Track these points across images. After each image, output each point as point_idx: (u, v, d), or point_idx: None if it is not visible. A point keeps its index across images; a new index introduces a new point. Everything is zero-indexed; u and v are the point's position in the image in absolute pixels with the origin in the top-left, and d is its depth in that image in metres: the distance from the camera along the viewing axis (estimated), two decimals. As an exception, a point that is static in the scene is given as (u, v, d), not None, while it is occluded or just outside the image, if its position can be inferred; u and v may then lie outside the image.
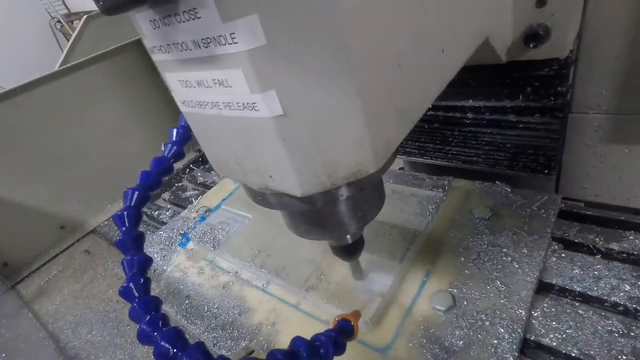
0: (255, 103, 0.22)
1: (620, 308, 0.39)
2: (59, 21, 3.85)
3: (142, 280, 0.32)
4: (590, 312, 0.40)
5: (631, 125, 0.49)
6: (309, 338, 0.32)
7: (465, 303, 0.43)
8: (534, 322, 0.40)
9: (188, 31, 0.21)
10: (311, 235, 0.35)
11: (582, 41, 0.46)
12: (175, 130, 0.40)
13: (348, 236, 0.38)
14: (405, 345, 0.41)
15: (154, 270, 0.63)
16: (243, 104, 0.22)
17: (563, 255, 0.46)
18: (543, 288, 0.43)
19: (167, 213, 0.81)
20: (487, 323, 0.40)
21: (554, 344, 0.38)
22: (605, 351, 0.36)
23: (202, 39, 0.21)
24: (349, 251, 0.41)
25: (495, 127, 0.54)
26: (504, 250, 0.47)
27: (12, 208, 0.78)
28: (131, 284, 0.32)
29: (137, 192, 0.37)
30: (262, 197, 0.30)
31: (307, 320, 0.47)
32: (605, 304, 0.40)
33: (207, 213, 0.72)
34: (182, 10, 0.20)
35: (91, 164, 0.88)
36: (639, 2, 0.41)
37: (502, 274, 0.44)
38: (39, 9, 3.81)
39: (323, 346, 0.31)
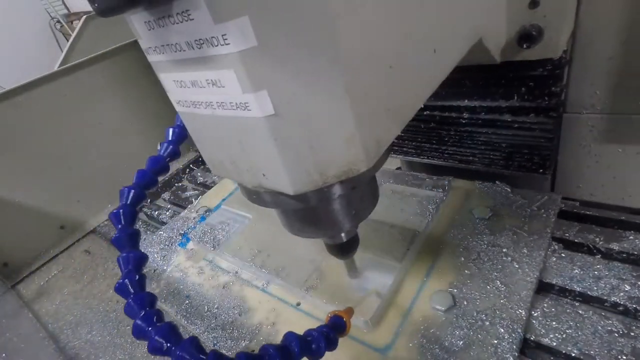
0: (247, 103, 0.22)
1: (620, 308, 0.39)
2: (58, 21, 3.85)
3: (137, 276, 0.32)
4: (590, 312, 0.40)
5: (625, 125, 0.49)
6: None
7: (465, 303, 0.43)
8: (534, 322, 0.40)
9: (181, 32, 0.22)
10: (305, 233, 0.35)
11: (576, 42, 0.46)
12: (171, 130, 0.40)
13: (342, 234, 0.38)
14: (405, 345, 0.41)
15: (154, 270, 0.63)
16: (236, 103, 0.23)
17: (563, 255, 0.46)
18: (543, 288, 0.43)
19: (167, 213, 0.81)
20: (487, 323, 0.40)
21: (554, 344, 0.38)
22: (605, 351, 0.36)
23: (195, 40, 0.21)
24: (344, 249, 0.41)
25: (490, 127, 0.54)
26: (504, 250, 0.47)
27: (12, 208, 0.78)
28: (126, 280, 0.32)
29: (133, 191, 0.38)
30: (257, 196, 0.30)
31: (307, 320, 0.47)
32: (605, 304, 0.40)
33: (207, 213, 0.72)
34: (176, 12, 0.21)
35: (91, 164, 0.88)
36: (632, 3, 0.41)
37: (502, 274, 0.44)
38: (39, 9, 3.81)
39: (315, 341, 0.31)
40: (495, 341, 0.38)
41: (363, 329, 0.43)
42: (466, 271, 0.46)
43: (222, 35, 0.20)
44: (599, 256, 0.45)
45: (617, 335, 0.37)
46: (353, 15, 0.22)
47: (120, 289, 0.32)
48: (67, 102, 0.83)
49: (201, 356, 0.26)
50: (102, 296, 0.67)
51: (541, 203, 0.52)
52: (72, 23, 3.69)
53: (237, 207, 0.68)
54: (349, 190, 0.28)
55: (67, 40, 1.01)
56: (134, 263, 0.33)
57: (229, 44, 0.20)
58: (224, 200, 0.74)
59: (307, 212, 0.33)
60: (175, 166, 0.97)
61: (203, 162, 0.98)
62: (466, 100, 0.54)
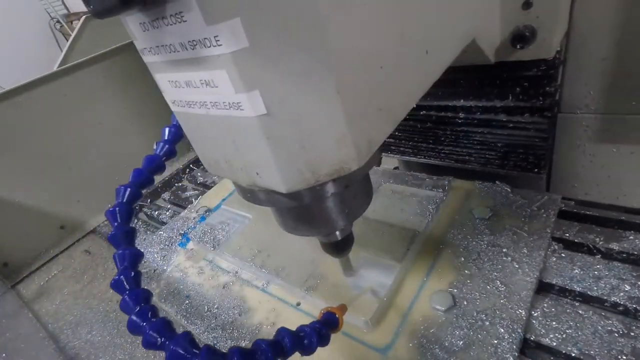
0: (240, 103, 0.23)
1: (620, 308, 0.39)
2: (58, 21, 3.85)
3: (132, 273, 0.33)
4: (590, 312, 0.40)
5: (618, 125, 0.49)
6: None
7: (465, 303, 0.43)
8: (534, 322, 0.40)
9: (175, 34, 0.22)
10: (299, 231, 0.36)
11: (570, 42, 0.47)
12: (167, 129, 0.41)
13: (337, 232, 0.38)
14: (405, 345, 0.41)
15: (154, 270, 0.63)
16: (229, 103, 0.23)
17: (563, 255, 0.46)
18: (543, 288, 0.43)
19: (167, 213, 0.81)
20: (487, 323, 0.40)
21: (554, 344, 0.38)
22: (605, 351, 0.36)
23: (189, 41, 0.22)
24: (339, 247, 0.41)
25: (486, 127, 0.55)
26: (504, 250, 0.47)
27: (12, 208, 0.78)
28: (122, 276, 0.32)
29: (129, 189, 0.38)
30: (251, 194, 0.31)
31: (307, 320, 0.46)
32: (605, 304, 0.40)
33: (207, 213, 0.72)
34: (169, 14, 0.21)
35: (91, 164, 0.88)
36: (626, 5, 0.42)
37: (502, 274, 0.44)
38: (39, 9, 3.81)
39: (307, 337, 0.32)
40: (495, 341, 0.38)
41: (363, 329, 0.43)
42: (466, 271, 0.46)
43: (215, 37, 0.20)
44: (599, 256, 0.45)
45: (617, 335, 0.37)
46: (343, 16, 0.22)
47: (116, 285, 0.32)
48: (67, 102, 0.83)
49: (194, 350, 0.27)
50: (102, 296, 0.67)
51: (541, 203, 0.52)
52: (71, 23, 3.70)
53: (237, 207, 0.68)
54: (342, 188, 0.29)
55: (67, 40, 1.01)
56: (130, 260, 0.34)
57: (221, 45, 0.21)
58: (224, 200, 0.74)
59: (300, 210, 0.33)
60: (175, 166, 0.97)
61: (203, 162, 0.98)
62: (462, 100, 0.54)
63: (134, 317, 0.30)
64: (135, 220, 0.83)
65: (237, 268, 0.58)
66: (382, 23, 0.25)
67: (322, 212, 0.33)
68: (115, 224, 0.36)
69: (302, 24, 0.21)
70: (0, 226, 0.77)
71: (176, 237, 0.69)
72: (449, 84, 0.53)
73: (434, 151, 0.64)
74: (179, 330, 0.29)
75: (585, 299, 0.41)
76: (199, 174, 0.92)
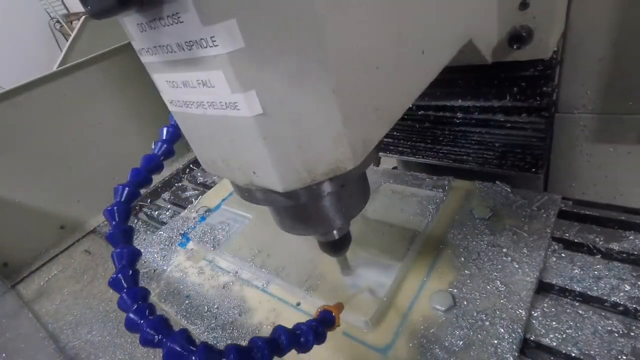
0: (236, 103, 0.23)
1: (620, 308, 0.39)
2: (58, 21, 3.85)
3: (130, 272, 0.33)
4: (590, 312, 0.40)
5: (615, 125, 0.50)
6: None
7: (465, 303, 0.43)
8: (534, 322, 0.40)
9: (172, 34, 0.22)
10: (297, 230, 0.36)
11: (567, 42, 0.47)
12: (165, 129, 0.41)
13: (334, 232, 0.38)
14: (405, 345, 0.41)
15: (154, 270, 0.63)
16: (225, 103, 0.23)
17: (563, 255, 0.46)
18: (543, 288, 0.43)
19: (167, 213, 0.81)
20: (487, 323, 0.40)
21: (554, 344, 0.38)
22: (605, 351, 0.36)
23: (185, 42, 0.22)
24: (336, 247, 0.41)
25: (484, 127, 0.55)
26: (504, 250, 0.47)
27: (12, 208, 0.78)
28: (120, 275, 0.33)
29: (127, 189, 0.38)
30: (249, 193, 0.31)
31: (307, 320, 0.47)
32: (605, 304, 0.40)
33: (207, 213, 0.72)
34: (166, 15, 0.21)
35: (91, 164, 0.88)
36: (622, 5, 0.42)
37: (502, 274, 0.44)
38: (39, 9, 3.81)
39: (303, 335, 0.32)
40: (495, 341, 0.38)
41: (363, 329, 0.43)
42: (466, 271, 0.46)
43: (211, 37, 0.21)
44: (599, 256, 0.45)
45: (617, 335, 0.37)
46: (339, 17, 0.22)
47: (113, 284, 0.33)
48: (67, 102, 0.83)
49: (191, 348, 0.27)
50: (102, 296, 0.67)
51: (541, 203, 0.52)
52: (71, 23, 3.70)
53: (237, 207, 0.68)
54: (338, 187, 0.29)
55: (67, 41, 1.01)
56: (128, 258, 0.34)
57: (217, 45, 0.21)
58: (224, 200, 0.74)
59: (297, 209, 0.33)
60: (175, 166, 0.97)
61: (203, 162, 0.98)
62: (460, 100, 0.54)
63: (131, 315, 0.30)
64: (136, 220, 0.83)
65: (237, 268, 0.58)
66: (379, 23, 0.25)
67: (318, 211, 0.33)
68: (114, 222, 0.36)
69: (298, 25, 0.21)
70: (0, 226, 0.77)
71: (176, 237, 0.69)
72: (447, 83, 0.53)
73: (432, 151, 0.64)
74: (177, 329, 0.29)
75: (585, 299, 0.41)
76: (199, 174, 0.92)
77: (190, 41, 0.22)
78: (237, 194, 0.33)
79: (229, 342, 0.47)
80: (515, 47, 0.43)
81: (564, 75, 0.49)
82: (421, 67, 0.32)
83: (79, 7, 3.88)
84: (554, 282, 0.43)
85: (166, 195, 0.88)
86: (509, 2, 0.42)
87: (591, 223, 0.49)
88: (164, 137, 0.41)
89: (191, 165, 0.97)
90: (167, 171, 0.95)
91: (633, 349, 0.35)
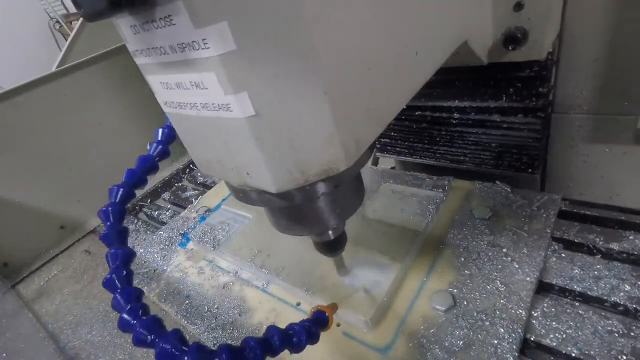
0: (229, 104, 0.23)
1: (620, 308, 0.39)
2: (57, 21, 3.85)
3: (124, 272, 0.33)
4: (590, 312, 0.40)
5: (611, 125, 0.50)
6: None
7: (465, 303, 0.43)
8: (534, 322, 0.40)
9: (165, 36, 0.22)
10: (291, 231, 0.36)
11: (562, 43, 0.47)
12: (160, 130, 0.42)
13: (329, 232, 0.39)
14: (405, 345, 0.41)
15: (154, 270, 0.63)
16: (218, 105, 0.24)
17: (563, 255, 0.46)
18: (543, 288, 0.43)
19: (167, 213, 0.81)
20: (487, 323, 0.40)
21: (554, 344, 0.38)
22: (605, 351, 0.36)
23: (178, 44, 0.22)
24: (331, 247, 0.41)
25: (480, 127, 0.55)
26: (504, 250, 0.47)
27: (12, 208, 0.78)
28: (114, 275, 0.33)
29: (122, 189, 0.38)
30: (244, 194, 0.31)
31: (307, 320, 0.47)
32: (605, 304, 0.40)
33: (207, 213, 0.72)
34: (159, 17, 0.21)
35: (91, 164, 0.88)
36: (617, 7, 0.42)
37: (502, 274, 0.44)
38: (38, 10, 3.81)
39: (296, 335, 0.32)
40: (495, 341, 0.38)
41: (363, 329, 0.43)
42: (466, 271, 0.46)
43: (203, 40, 0.21)
44: (599, 256, 0.45)
45: (617, 335, 0.37)
46: (329, 19, 0.22)
47: (107, 284, 0.33)
48: (67, 102, 0.83)
49: (184, 348, 0.27)
50: (102, 296, 0.67)
51: (541, 203, 0.52)
52: (70, 23, 3.69)
53: (237, 207, 0.68)
54: (332, 188, 0.29)
55: (66, 41, 1.01)
56: (122, 259, 0.34)
57: (209, 47, 0.21)
58: (224, 200, 0.74)
59: (291, 210, 0.34)
60: (175, 166, 0.97)
61: (203, 162, 0.98)
62: (456, 101, 0.55)
63: (124, 315, 0.30)
64: (136, 220, 0.83)
65: (237, 268, 0.58)
66: (370, 25, 0.26)
67: (313, 211, 0.33)
68: (108, 223, 0.36)
69: (287, 27, 0.21)
70: (0, 226, 0.77)
71: (176, 237, 0.69)
72: (444, 84, 0.53)
73: (429, 151, 0.64)
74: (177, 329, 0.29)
75: (585, 299, 0.41)
76: (198, 174, 0.92)
77: (182, 43, 0.22)
78: (232, 194, 0.33)
79: (228, 342, 0.47)
80: (510, 48, 0.43)
81: (559, 75, 0.50)
82: (415, 68, 0.32)
83: (78, 7, 3.88)
84: (554, 282, 0.43)
85: (166, 195, 0.88)
86: (503, 4, 0.42)
87: (591, 223, 0.49)
88: (159, 138, 0.41)
89: (191, 165, 0.97)
90: (167, 171, 0.95)
91: (633, 349, 0.35)
